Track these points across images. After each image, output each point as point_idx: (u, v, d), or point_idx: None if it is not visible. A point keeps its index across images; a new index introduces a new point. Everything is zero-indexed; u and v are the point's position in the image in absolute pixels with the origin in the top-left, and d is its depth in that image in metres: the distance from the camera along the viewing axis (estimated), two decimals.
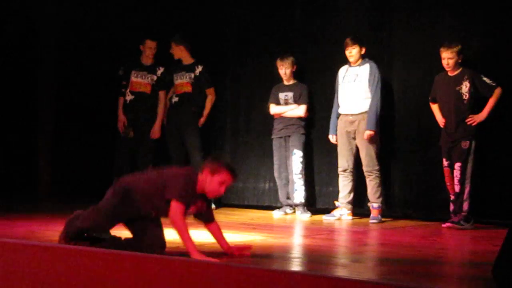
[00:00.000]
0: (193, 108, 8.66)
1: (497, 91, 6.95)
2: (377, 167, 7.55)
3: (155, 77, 8.77)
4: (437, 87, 7.24)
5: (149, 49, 8.75)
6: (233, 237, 5.97)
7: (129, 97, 8.77)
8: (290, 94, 8.16)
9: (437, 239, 6.37)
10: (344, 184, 7.76)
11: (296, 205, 8.06)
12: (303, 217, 7.89)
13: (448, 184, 7.09)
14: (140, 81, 8.77)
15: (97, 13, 9.52)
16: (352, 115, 7.67)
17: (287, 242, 6.12)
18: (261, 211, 8.38)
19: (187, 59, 8.73)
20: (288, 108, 8.15)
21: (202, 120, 8.65)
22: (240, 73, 8.88)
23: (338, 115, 7.80)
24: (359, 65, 7.69)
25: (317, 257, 5.27)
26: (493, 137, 7.15)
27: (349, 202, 7.75)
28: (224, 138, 8.96)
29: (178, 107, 8.67)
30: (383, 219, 7.52)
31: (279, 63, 8.15)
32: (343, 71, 7.82)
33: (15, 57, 9.59)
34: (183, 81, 8.68)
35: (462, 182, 6.95)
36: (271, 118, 8.29)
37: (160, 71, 8.77)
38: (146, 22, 9.25)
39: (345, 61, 7.77)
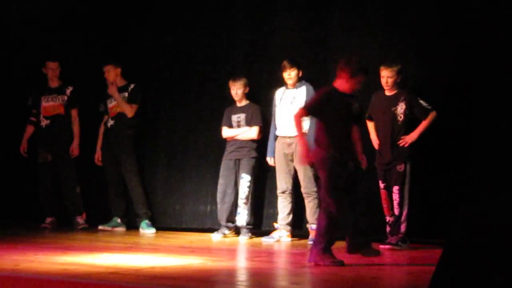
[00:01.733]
0: (129, 131, 8.61)
1: (432, 115, 7.05)
2: (315, 189, 7.59)
3: (65, 97, 8.88)
4: (373, 105, 7.32)
5: (51, 70, 8.83)
6: (171, 261, 5.95)
7: (44, 122, 8.88)
8: (242, 116, 8.13)
9: (374, 259, 6.40)
10: (283, 205, 7.78)
11: (238, 228, 8.05)
12: (241, 239, 7.88)
13: (384, 206, 7.16)
14: (52, 104, 8.88)
15: None
16: (289, 137, 7.70)
17: (227, 265, 6.10)
18: (201, 234, 8.33)
19: (121, 81, 8.72)
20: (240, 131, 8.13)
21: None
22: (180, 95, 8.84)
23: (276, 137, 7.84)
24: (296, 87, 7.74)
25: (256, 280, 5.27)
26: (427, 160, 7.27)
27: (288, 224, 7.77)
28: (159, 160, 8.90)
29: (114, 130, 8.62)
30: None
31: (231, 84, 8.11)
32: (279, 93, 7.86)
33: None
34: (113, 103, 8.67)
35: (401, 205, 7.04)
36: (216, 140, 8.26)
37: (69, 90, 8.88)
38: (48, 44, 9.23)
39: (281, 83, 7.82)
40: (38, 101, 8.90)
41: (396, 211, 7.04)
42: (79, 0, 9.21)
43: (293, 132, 7.64)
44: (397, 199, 7.03)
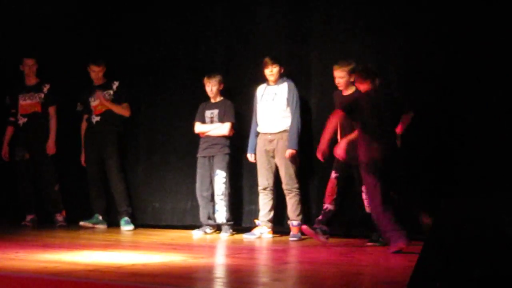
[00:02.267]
0: (115, 128, 8.59)
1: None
2: (296, 185, 7.61)
3: (42, 95, 8.85)
4: (335, 105, 7.29)
5: (27, 67, 8.81)
6: (152, 258, 5.94)
7: (21, 121, 8.87)
8: (215, 112, 8.12)
9: (355, 255, 6.44)
10: (264, 202, 7.79)
11: (219, 225, 8.04)
12: (223, 236, 7.88)
13: (328, 194, 7.15)
14: (29, 102, 8.86)
15: None
16: (270, 134, 7.72)
17: (208, 262, 6.09)
18: (181, 231, 8.33)
19: (103, 79, 8.72)
20: (212, 127, 8.12)
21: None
22: (160, 92, 8.83)
23: (257, 133, 7.85)
24: (277, 84, 7.75)
25: (238, 276, 5.26)
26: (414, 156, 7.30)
27: (269, 220, 7.77)
28: (138, 157, 8.89)
29: (100, 126, 8.59)
30: (303, 237, 7.57)
31: (206, 80, 8.11)
32: (261, 90, 7.87)
33: None
34: (98, 102, 8.64)
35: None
36: (197, 136, 8.26)
37: (46, 88, 8.86)
38: (25, 41, 9.17)
39: (263, 79, 7.83)
40: (16, 100, 8.86)
41: (368, 209, 7.05)
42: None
43: (275, 128, 7.68)
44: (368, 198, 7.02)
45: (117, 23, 8.96)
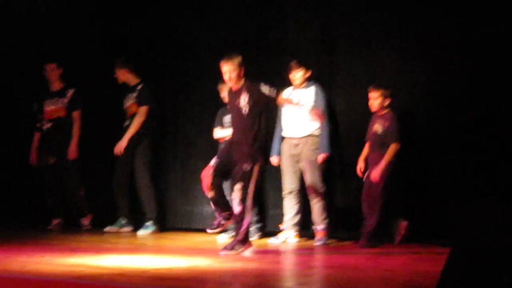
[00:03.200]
0: (143, 131, 8.59)
1: None
2: (321, 190, 7.59)
3: (65, 100, 8.89)
4: None
5: (50, 72, 8.88)
6: (176, 263, 5.94)
7: (46, 126, 8.92)
8: None
9: (381, 260, 6.40)
10: (290, 206, 7.77)
11: None
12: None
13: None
14: (54, 107, 8.93)
15: None
16: (296, 138, 7.69)
17: (233, 266, 6.07)
18: (207, 235, 8.30)
19: (132, 81, 8.71)
20: (230, 133, 8.10)
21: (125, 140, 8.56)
22: (187, 97, 8.83)
23: (282, 138, 7.82)
24: (303, 87, 7.73)
25: (262, 281, 5.25)
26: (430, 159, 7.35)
27: (294, 225, 7.75)
28: (169, 162, 8.91)
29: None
30: (328, 241, 7.55)
31: (220, 87, 8.07)
32: (287, 94, 7.85)
33: None
34: (129, 103, 8.67)
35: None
36: (217, 142, 8.26)
37: (70, 93, 8.91)
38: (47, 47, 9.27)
39: (288, 84, 7.81)
40: (42, 106, 8.95)
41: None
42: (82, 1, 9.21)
43: (300, 133, 7.65)
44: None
45: (142, 27, 8.99)
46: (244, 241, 6.54)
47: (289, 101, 6.99)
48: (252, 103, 6.54)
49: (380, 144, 7.23)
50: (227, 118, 8.13)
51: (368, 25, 7.77)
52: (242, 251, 6.51)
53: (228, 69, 6.61)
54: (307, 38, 8.14)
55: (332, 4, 8.03)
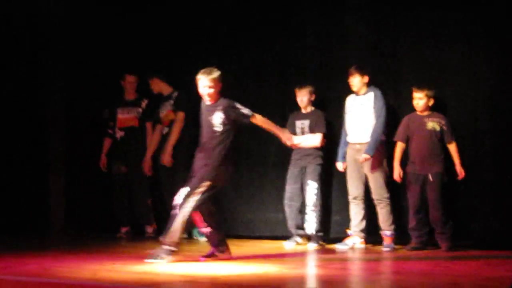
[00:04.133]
0: (185, 138, 8.60)
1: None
2: (386, 195, 7.56)
3: (140, 110, 8.96)
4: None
5: (129, 83, 8.93)
6: (246, 269, 5.97)
7: (119, 134, 9.01)
8: (306, 123, 8.10)
9: (450, 265, 6.34)
10: (355, 212, 7.75)
11: (308, 236, 8.02)
12: (310, 246, 7.83)
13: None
14: (127, 116, 8.98)
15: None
16: (359, 143, 7.68)
17: (302, 273, 6.08)
18: (273, 241, 8.33)
19: (166, 90, 8.78)
20: (303, 138, 8.09)
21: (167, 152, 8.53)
22: (250, 103, 8.83)
23: (347, 143, 7.81)
24: (364, 93, 7.71)
25: (332, 287, 5.25)
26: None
27: (361, 230, 7.73)
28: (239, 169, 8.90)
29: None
30: (396, 246, 7.51)
31: (297, 91, 8.10)
32: (350, 100, 7.84)
33: (25, 95, 9.61)
34: (165, 111, 8.72)
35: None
36: (287, 147, 8.26)
37: (144, 103, 8.96)
38: (127, 57, 9.33)
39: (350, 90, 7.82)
40: (114, 113, 9.04)
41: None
42: (158, 14, 9.30)
43: (363, 138, 7.64)
44: None
45: (208, 34, 9.03)
46: (171, 251, 6.35)
47: (296, 146, 7.29)
48: (227, 123, 6.45)
49: (437, 142, 7.37)
50: (299, 124, 8.14)
51: (430, 27, 7.74)
52: (169, 258, 6.34)
53: (207, 85, 6.48)
54: (368, 42, 8.11)
55: (390, 9, 7.99)
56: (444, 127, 7.40)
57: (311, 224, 7.93)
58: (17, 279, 5.39)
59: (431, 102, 7.45)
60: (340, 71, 8.06)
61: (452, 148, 7.39)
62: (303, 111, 8.18)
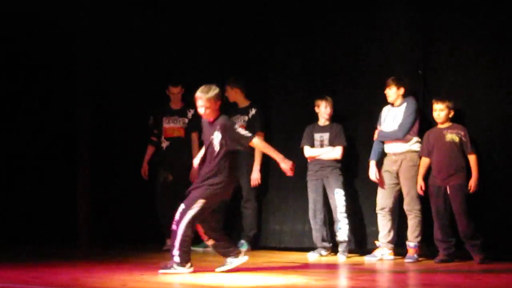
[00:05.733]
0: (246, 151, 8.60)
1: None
2: (417, 207, 7.53)
3: (186, 120, 8.85)
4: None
5: (172, 95, 8.86)
6: (273, 280, 5.95)
7: (164, 144, 8.89)
8: (325, 136, 8.10)
9: (482, 278, 6.28)
10: (383, 223, 7.72)
11: (340, 243, 7.93)
12: (340, 257, 7.79)
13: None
14: (173, 126, 8.88)
15: (124, 67, 9.63)
16: (394, 154, 7.66)
17: (330, 284, 6.05)
18: (299, 253, 8.29)
19: (242, 102, 8.71)
20: (324, 151, 8.09)
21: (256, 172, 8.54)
22: (274, 113, 8.84)
23: (380, 145, 7.76)
24: (399, 105, 7.70)
25: None
26: None
27: (389, 242, 7.69)
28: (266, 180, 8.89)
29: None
30: (420, 258, 7.48)
31: (321, 101, 8.07)
32: (385, 111, 7.83)
33: (53, 100, 9.64)
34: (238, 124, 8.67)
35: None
36: (305, 160, 8.25)
37: (190, 113, 8.80)
38: (172, 67, 9.32)
39: (384, 100, 7.80)
40: (160, 121, 8.91)
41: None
42: (205, 23, 9.26)
43: (398, 149, 7.61)
44: None
45: (252, 50, 9.00)
46: (182, 262, 6.34)
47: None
48: (224, 143, 6.43)
49: (457, 153, 7.35)
50: (318, 137, 8.13)
51: (466, 36, 7.73)
52: (181, 270, 6.33)
53: (203, 105, 6.47)
54: (400, 52, 8.10)
55: (427, 16, 7.97)
56: (463, 138, 7.37)
57: (344, 231, 7.88)
58: None
59: (451, 114, 7.45)
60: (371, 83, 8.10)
61: (472, 160, 7.34)
62: (320, 123, 8.16)
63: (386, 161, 7.75)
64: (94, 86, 9.88)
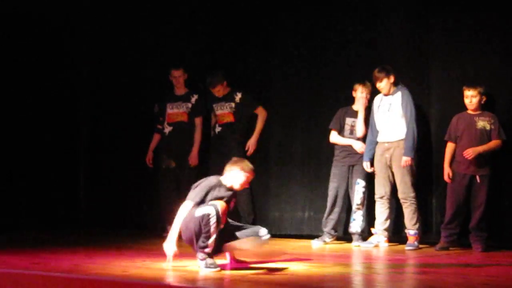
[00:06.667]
0: (237, 136, 8.64)
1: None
2: (412, 194, 7.55)
3: (190, 105, 8.84)
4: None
5: (174, 78, 8.84)
6: (275, 267, 5.98)
7: (167, 129, 8.87)
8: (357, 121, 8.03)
9: (483, 266, 6.29)
10: (381, 211, 7.75)
11: (352, 234, 7.93)
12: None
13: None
14: (176, 111, 8.87)
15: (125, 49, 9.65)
16: (387, 142, 7.68)
17: (331, 272, 6.03)
18: (300, 240, 8.31)
19: (225, 90, 8.73)
20: (351, 142, 7.99)
21: (253, 140, 8.61)
22: (276, 100, 8.85)
23: (373, 143, 7.78)
24: (392, 93, 7.70)
25: (358, 285, 5.25)
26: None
27: (385, 229, 7.74)
28: (256, 167, 8.86)
29: (221, 137, 8.67)
30: (420, 246, 7.52)
31: (357, 86, 7.97)
32: (377, 100, 7.83)
33: (54, 96, 9.64)
34: (224, 112, 8.69)
35: None
36: (313, 144, 8.22)
37: (194, 98, 8.83)
38: (176, 53, 9.31)
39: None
40: (164, 108, 8.92)
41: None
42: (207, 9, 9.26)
43: (391, 137, 7.63)
44: None
45: (253, 34, 9.00)
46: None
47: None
48: None
49: (487, 141, 7.26)
50: (349, 121, 8.05)
51: (463, 28, 7.74)
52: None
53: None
54: (398, 42, 8.10)
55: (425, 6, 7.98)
56: (492, 126, 7.26)
57: (358, 222, 7.89)
58: (49, 275, 5.45)
59: (484, 100, 7.32)
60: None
61: (494, 142, 7.25)
62: (355, 108, 8.04)
63: (379, 149, 7.74)
64: (95, 74, 9.92)
